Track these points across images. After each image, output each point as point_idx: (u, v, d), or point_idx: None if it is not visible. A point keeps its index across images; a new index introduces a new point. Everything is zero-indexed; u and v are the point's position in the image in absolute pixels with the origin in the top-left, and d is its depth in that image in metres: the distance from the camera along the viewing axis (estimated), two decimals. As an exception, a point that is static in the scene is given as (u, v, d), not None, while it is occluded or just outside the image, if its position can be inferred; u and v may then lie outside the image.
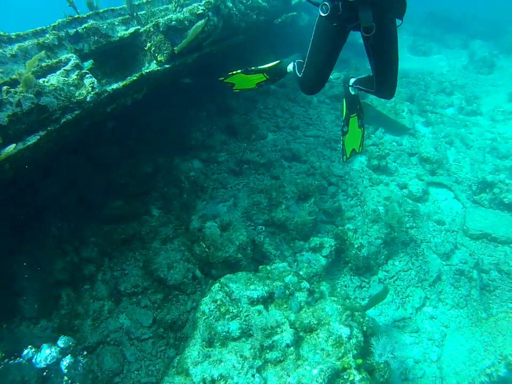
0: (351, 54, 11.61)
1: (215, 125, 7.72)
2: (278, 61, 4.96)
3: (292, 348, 4.00)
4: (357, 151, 5.31)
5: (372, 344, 4.48)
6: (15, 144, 3.32)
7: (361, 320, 4.55)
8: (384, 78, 4.02)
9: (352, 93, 4.86)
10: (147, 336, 4.95)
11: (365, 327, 4.49)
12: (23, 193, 5.12)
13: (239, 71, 5.00)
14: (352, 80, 4.81)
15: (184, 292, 5.22)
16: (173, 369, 4.10)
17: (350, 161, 7.94)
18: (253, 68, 5.02)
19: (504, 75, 12.98)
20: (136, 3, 5.64)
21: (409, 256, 6.66)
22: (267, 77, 5.02)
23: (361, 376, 3.96)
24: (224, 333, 4.02)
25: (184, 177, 6.47)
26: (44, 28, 4.51)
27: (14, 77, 3.75)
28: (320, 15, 3.58)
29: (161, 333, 4.97)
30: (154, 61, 5.16)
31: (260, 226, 6.22)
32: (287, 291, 4.46)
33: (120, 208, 5.81)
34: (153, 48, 5.09)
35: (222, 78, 5.09)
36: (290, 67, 4.73)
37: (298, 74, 4.38)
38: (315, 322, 4.22)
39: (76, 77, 4.13)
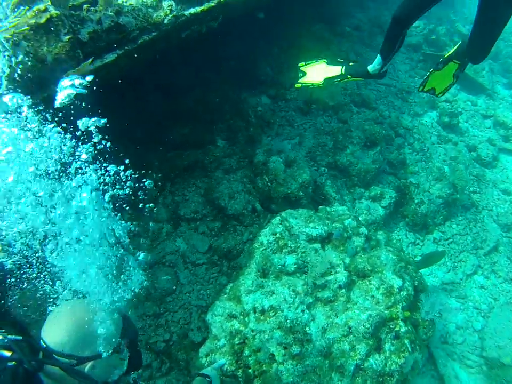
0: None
1: (286, 62, 7.50)
2: None
3: (343, 290, 4.05)
4: (436, 93, 4.95)
5: (420, 300, 4.48)
6: (92, 58, 3.36)
7: (414, 274, 4.52)
8: (481, 45, 3.96)
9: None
10: (201, 261, 5.10)
11: (416, 282, 4.47)
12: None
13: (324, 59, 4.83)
14: None
15: (242, 223, 5.30)
16: (225, 295, 4.25)
17: (409, 98, 7.68)
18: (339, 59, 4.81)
19: None
20: None
21: (468, 221, 6.47)
22: (342, 72, 4.68)
23: (406, 328, 4.00)
24: (279, 266, 4.11)
25: (252, 111, 6.41)
26: None
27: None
28: None
29: (216, 260, 5.12)
30: (234, -12, 4.99)
31: (323, 168, 6.17)
32: (345, 234, 4.46)
33: (186, 135, 5.85)
34: (235, -26, 4.91)
35: (302, 64, 4.89)
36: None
37: None
38: (369, 269, 4.24)
39: (154, -2, 4.08)
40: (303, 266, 4.14)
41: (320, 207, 4.97)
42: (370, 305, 4.05)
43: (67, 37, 3.28)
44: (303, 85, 4.82)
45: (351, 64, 4.67)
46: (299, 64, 4.90)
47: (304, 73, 4.85)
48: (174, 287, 4.91)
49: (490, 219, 6.59)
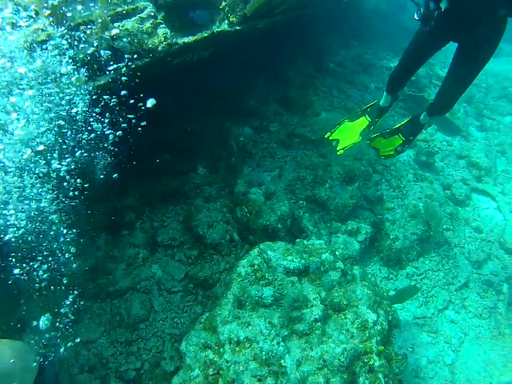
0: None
1: (271, 93, 7.68)
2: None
3: (319, 323, 4.07)
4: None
5: (394, 334, 4.52)
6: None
7: (388, 309, 4.58)
8: (449, 94, 4.28)
9: (421, 118, 4.82)
10: (177, 289, 5.09)
11: (390, 317, 4.52)
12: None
13: (345, 119, 5.22)
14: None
15: (220, 252, 5.33)
16: (200, 325, 4.21)
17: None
18: (358, 110, 5.26)
19: None
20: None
21: (441, 258, 6.62)
22: (369, 119, 5.06)
23: (380, 362, 4.01)
24: (256, 298, 4.11)
25: (234, 141, 6.51)
26: (124, -28, 4.53)
27: (91, 18, 3.83)
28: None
29: (191, 288, 5.11)
30: (226, 21, 5.15)
31: (302, 201, 6.26)
32: (322, 267, 4.51)
33: (168, 162, 5.90)
34: (227, 8, 5.07)
35: (328, 134, 5.17)
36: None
37: None
38: (345, 303, 4.27)
39: (150, 25, 4.19)
40: (280, 299, 4.15)
41: (298, 240, 5.01)
42: (345, 339, 4.07)
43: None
44: (345, 149, 5.01)
45: (369, 109, 5.03)
46: (326, 136, 5.15)
47: (337, 140, 5.06)
48: (148, 314, 4.84)
49: (462, 256, 6.76)
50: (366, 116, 5.06)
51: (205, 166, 6.26)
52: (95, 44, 3.68)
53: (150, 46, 4.14)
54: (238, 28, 5.14)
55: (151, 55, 4.16)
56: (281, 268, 4.37)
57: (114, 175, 5.40)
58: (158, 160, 5.83)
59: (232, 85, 7.29)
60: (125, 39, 3.92)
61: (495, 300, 6.22)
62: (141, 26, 4.14)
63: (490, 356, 5.54)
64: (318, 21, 8.48)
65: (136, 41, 4.05)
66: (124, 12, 4.23)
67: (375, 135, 5.11)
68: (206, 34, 4.78)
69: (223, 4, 5.05)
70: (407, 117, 5.21)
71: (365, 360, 3.98)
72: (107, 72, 3.89)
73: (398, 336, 4.55)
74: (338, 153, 5.00)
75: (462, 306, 6.19)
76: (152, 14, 4.30)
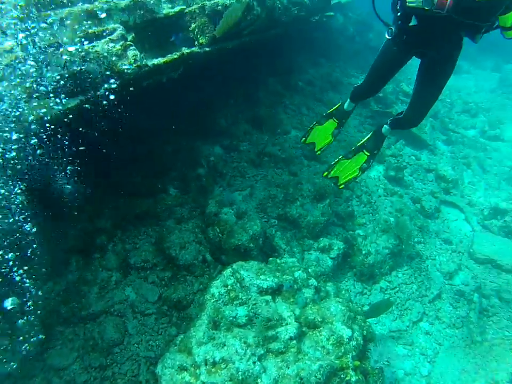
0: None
1: (241, 113, 7.76)
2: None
3: (294, 341, 4.06)
4: (338, 184, 5.29)
5: (369, 349, 4.55)
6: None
7: (363, 324, 4.61)
8: (419, 109, 4.37)
9: (383, 131, 4.96)
10: (151, 311, 5.02)
11: (365, 332, 4.55)
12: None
13: (314, 123, 5.36)
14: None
15: (193, 273, 5.29)
16: (175, 347, 4.15)
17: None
18: (323, 113, 5.40)
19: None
20: (185, -15, 5.66)
21: (413, 270, 6.72)
22: (337, 121, 5.27)
23: (357, 377, 4.03)
24: (231, 318, 4.09)
25: (204, 160, 6.52)
26: (94, -4, 4.56)
27: (61, 40, 3.82)
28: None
29: (165, 310, 5.04)
30: (196, 43, 5.20)
31: (273, 220, 6.29)
32: (295, 285, 4.53)
33: (138, 183, 5.87)
34: (196, 30, 5.14)
35: (304, 139, 5.43)
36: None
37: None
38: (319, 320, 4.29)
39: (120, 47, 4.20)
40: (254, 318, 4.14)
41: (270, 259, 5.03)
42: (321, 355, 4.07)
43: (31, 80, 3.31)
44: (322, 149, 5.38)
45: (334, 112, 5.20)
46: (301, 141, 5.40)
47: (313, 143, 5.34)
48: (122, 338, 4.74)
49: (434, 268, 6.89)
50: (333, 118, 5.23)
51: (176, 186, 6.24)
52: (64, 65, 3.65)
53: (120, 68, 4.14)
54: (207, 49, 5.21)
55: (120, 77, 4.16)
56: (255, 287, 4.36)
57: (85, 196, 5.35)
58: (129, 182, 5.81)
59: (202, 104, 7.33)
60: (94, 61, 3.91)
61: (467, 309, 6.34)
62: (110, 48, 4.15)
63: (463, 364, 5.64)
64: (287, 40, 8.65)
65: (106, 63, 4.04)
66: (94, 33, 4.25)
67: (333, 162, 5.26)
68: (175, 56, 4.82)
69: (193, 25, 5.12)
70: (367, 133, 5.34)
71: (342, 376, 3.99)
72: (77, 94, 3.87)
73: (374, 350, 4.57)
74: (317, 153, 5.43)
75: (435, 317, 6.28)
76: (122, 35, 4.33)
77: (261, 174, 7.03)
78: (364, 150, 5.06)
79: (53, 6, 4.18)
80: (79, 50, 3.81)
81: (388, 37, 3.94)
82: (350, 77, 10.89)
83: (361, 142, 5.13)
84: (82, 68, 3.79)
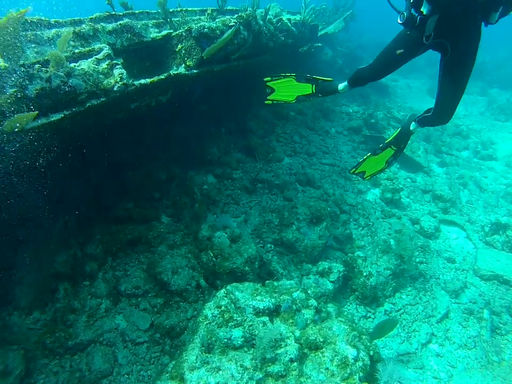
0: (370, 90, 11.77)
1: (233, 143, 7.73)
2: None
3: (295, 364, 3.80)
4: (364, 177, 5.26)
5: (378, 370, 4.27)
6: (37, 112, 3.27)
7: (368, 344, 4.35)
8: (448, 104, 4.24)
9: (411, 128, 4.84)
10: (142, 340, 4.76)
11: (371, 352, 4.29)
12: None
13: (293, 74, 4.83)
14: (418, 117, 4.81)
15: (186, 299, 5.05)
16: (167, 374, 3.89)
17: (353, 177, 7.90)
18: (308, 75, 4.84)
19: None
20: (171, 10, 5.74)
21: (417, 291, 6.48)
22: (313, 90, 4.82)
23: (366, 401, 3.75)
24: (225, 340, 3.84)
25: (197, 189, 6.39)
26: (82, 18, 4.60)
27: (47, 57, 3.78)
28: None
29: (158, 338, 4.79)
30: (183, 65, 5.21)
31: (269, 245, 6.10)
32: (294, 306, 4.29)
33: (131, 210, 5.73)
34: (183, 52, 5.15)
35: (269, 79, 4.86)
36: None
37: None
38: (321, 340, 4.04)
39: (106, 66, 4.17)
40: (251, 340, 3.89)
41: (267, 281, 4.81)
42: (325, 377, 3.80)
43: (12, 90, 3.22)
44: (274, 101, 4.90)
45: (320, 81, 4.79)
46: (265, 79, 4.84)
47: (272, 89, 4.86)
48: (112, 368, 4.45)
49: (438, 287, 6.63)
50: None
51: (169, 214, 6.09)
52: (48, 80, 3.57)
53: (105, 85, 4.09)
54: (194, 71, 5.21)
55: (106, 94, 4.10)
56: (251, 309, 4.13)
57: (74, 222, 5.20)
58: (121, 209, 5.67)
59: (195, 134, 7.30)
60: (79, 77, 3.85)
61: (477, 328, 6.04)
62: (96, 66, 4.12)
63: (483, 387, 5.30)
64: (276, 69, 8.74)
65: (91, 80, 3.99)
66: (81, 53, 4.24)
67: (361, 160, 5.16)
68: (163, 77, 4.79)
69: (179, 46, 5.13)
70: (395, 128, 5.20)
71: (349, 399, 3.71)
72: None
73: (383, 372, 4.26)
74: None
75: (445, 338, 5.96)
76: (109, 55, 4.31)
77: (255, 200, 6.90)
78: (392, 146, 4.97)
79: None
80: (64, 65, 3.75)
81: (400, 22, 3.76)
82: (341, 106, 10.97)
83: (389, 139, 5.03)
84: (67, 82, 3.71)
